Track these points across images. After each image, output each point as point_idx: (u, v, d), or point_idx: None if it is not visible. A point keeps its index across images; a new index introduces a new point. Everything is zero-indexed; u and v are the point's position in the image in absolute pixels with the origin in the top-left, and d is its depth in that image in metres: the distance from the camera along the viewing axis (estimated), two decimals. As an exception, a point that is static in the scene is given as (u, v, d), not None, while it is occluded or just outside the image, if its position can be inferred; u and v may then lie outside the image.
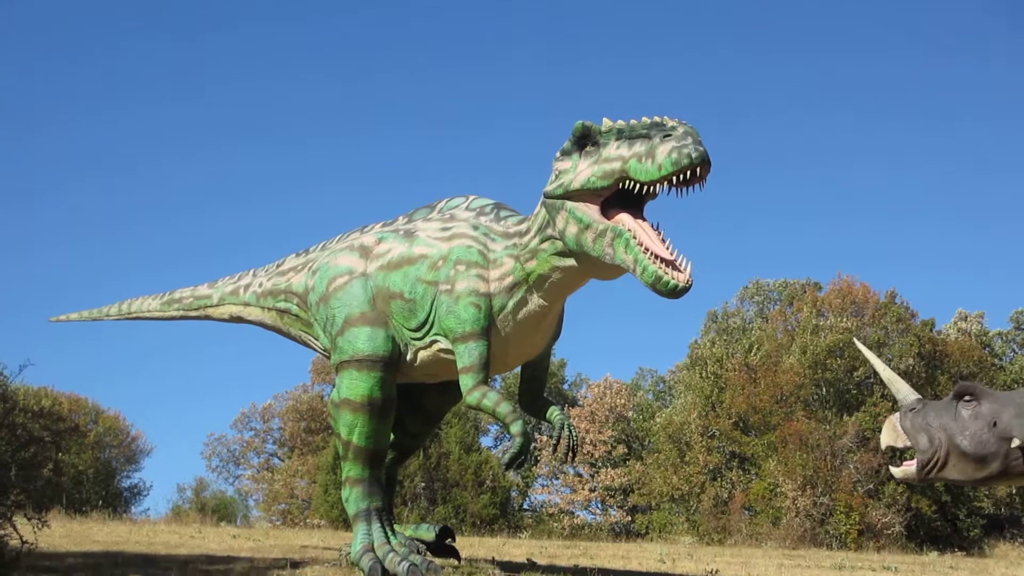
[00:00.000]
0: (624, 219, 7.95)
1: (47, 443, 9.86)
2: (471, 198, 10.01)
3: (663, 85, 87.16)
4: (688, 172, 7.41)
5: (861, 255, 76.52)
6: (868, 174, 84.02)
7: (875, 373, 33.83)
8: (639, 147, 7.72)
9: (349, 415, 9.40)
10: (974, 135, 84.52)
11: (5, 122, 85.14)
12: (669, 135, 7.59)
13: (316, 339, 10.47)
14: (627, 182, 7.79)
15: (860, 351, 8.75)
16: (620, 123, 8.03)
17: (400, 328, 9.45)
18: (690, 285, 7.61)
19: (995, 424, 6.82)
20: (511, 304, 8.93)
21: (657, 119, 7.83)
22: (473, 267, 9.01)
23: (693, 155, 7.38)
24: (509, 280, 8.91)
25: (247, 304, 11.28)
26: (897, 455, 7.30)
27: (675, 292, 7.58)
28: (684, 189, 7.58)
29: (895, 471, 7.24)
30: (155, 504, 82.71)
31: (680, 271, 7.65)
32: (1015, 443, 6.69)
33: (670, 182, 7.52)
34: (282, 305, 10.84)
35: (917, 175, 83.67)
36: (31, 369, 13.17)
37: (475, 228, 9.35)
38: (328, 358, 10.21)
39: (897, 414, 7.31)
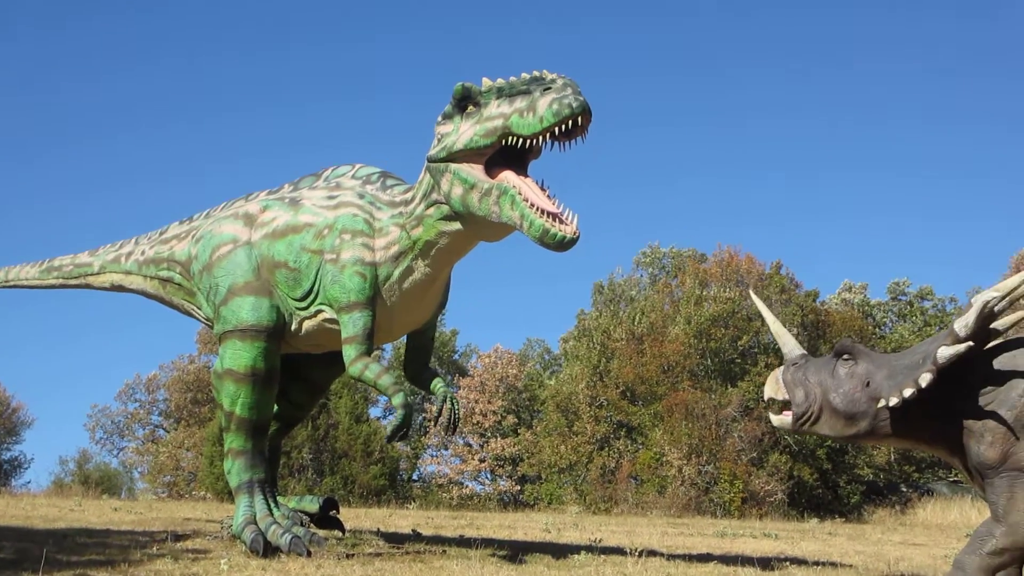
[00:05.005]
0: (508, 176, 7.96)
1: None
2: (357, 166, 9.94)
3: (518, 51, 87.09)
4: (570, 122, 7.45)
5: (751, 227, 77.31)
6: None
7: (760, 343, 34.68)
8: (520, 103, 7.75)
9: (232, 386, 9.29)
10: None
11: None
12: (549, 88, 7.64)
13: (199, 309, 10.31)
14: (510, 138, 7.81)
15: (755, 303, 9.00)
16: (500, 81, 8.04)
17: (285, 298, 9.36)
18: (577, 237, 7.66)
19: (867, 384, 7.06)
20: (397, 273, 8.90)
21: (536, 73, 7.87)
22: (359, 236, 8.95)
23: (574, 104, 7.43)
24: (395, 249, 8.87)
25: (129, 272, 11.05)
26: (778, 406, 7.50)
27: (563, 244, 7.63)
28: (567, 142, 7.65)
29: (773, 418, 7.48)
30: (36, 477, 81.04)
31: (566, 224, 7.69)
32: (882, 403, 6.93)
33: (552, 134, 7.58)
34: (164, 274, 10.65)
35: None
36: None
37: (361, 197, 9.29)
38: (211, 328, 10.07)
39: (781, 367, 7.55)
